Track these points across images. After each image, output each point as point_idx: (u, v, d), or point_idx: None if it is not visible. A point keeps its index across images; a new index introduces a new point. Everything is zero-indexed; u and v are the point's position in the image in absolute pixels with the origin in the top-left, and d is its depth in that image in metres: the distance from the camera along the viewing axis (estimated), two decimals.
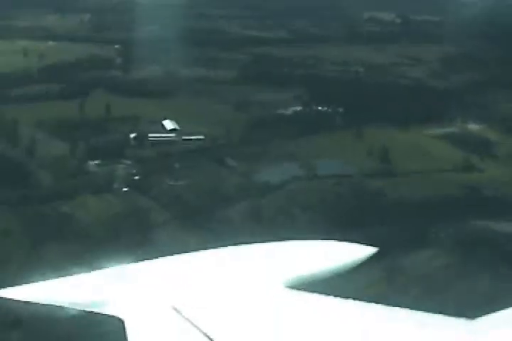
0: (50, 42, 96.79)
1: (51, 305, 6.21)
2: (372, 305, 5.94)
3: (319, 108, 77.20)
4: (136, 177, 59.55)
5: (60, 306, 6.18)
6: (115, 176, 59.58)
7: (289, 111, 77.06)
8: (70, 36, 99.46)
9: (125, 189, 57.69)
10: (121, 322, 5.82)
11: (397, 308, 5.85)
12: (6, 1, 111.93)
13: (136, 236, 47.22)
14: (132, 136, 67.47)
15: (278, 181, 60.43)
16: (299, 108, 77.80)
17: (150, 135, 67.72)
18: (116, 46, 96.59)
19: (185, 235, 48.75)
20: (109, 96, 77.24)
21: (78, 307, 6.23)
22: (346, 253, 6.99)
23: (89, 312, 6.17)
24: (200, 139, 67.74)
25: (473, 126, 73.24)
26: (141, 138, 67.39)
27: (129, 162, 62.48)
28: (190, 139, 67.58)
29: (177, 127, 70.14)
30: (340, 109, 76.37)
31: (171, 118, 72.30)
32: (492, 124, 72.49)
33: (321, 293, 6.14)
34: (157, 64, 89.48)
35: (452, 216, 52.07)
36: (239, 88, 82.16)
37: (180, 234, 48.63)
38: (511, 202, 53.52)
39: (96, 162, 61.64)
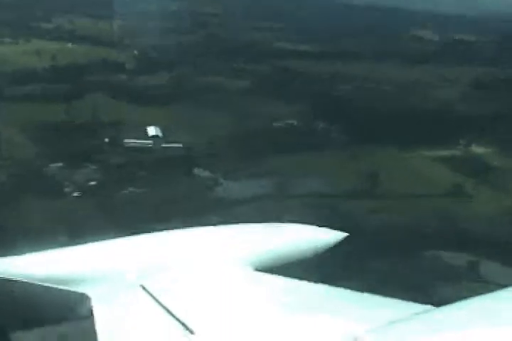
0: (70, 45, 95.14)
1: (18, 279, 5.90)
2: (338, 288, 5.75)
3: (322, 124, 72.52)
4: (93, 183, 56.14)
5: (27, 281, 5.89)
6: (71, 180, 56.43)
7: (288, 125, 72.88)
8: (92, 40, 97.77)
9: (76, 194, 54.35)
10: (87, 298, 5.58)
11: (365, 294, 5.63)
12: (41, 4, 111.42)
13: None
14: (106, 140, 64.23)
15: (245, 196, 56.39)
16: (299, 123, 73.38)
17: (126, 141, 64.47)
18: (135, 52, 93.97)
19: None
20: (106, 100, 74.72)
21: (45, 283, 5.91)
22: (316, 237, 6.81)
23: (56, 288, 5.86)
24: (178, 147, 64.07)
25: (479, 150, 67.44)
26: (117, 144, 64.13)
27: (93, 167, 59.33)
28: (168, 147, 64.00)
29: (159, 134, 66.78)
30: (344, 127, 71.53)
31: (161, 126, 69.07)
32: (501, 149, 66.48)
33: (288, 276, 5.86)
34: (170, 71, 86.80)
35: (404, 245, 47.07)
36: (246, 99, 78.38)
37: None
38: (473, 235, 48.31)
39: (58, 165, 58.64)
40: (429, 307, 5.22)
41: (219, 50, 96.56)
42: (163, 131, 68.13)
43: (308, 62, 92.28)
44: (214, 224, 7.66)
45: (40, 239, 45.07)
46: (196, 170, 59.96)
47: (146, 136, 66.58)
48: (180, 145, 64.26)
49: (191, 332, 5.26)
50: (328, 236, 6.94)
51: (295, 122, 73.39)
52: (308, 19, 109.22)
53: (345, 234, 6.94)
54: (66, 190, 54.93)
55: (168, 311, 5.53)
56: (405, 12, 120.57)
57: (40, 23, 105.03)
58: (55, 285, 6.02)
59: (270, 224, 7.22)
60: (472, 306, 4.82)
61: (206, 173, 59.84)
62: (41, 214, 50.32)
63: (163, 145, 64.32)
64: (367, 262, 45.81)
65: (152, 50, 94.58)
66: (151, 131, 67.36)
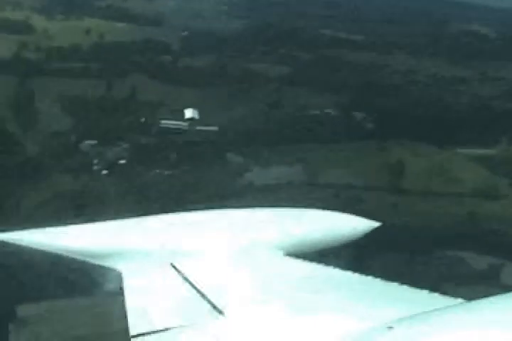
0: (119, 24, 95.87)
1: (50, 252, 6.10)
2: (369, 278, 5.75)
3: (357, 115, 71.89)
4: (122, 162, 56.78)
5: (59, 254, 6.08)
6: (102, 158, 57.13)
7: (325, 114, 72.25)
8: (143, 19, 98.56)
9: (104, 172, 55.08)
10: (119, 274, 5.71)
11: (395, 283, 5.65)
12: None
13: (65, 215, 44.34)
14: (142, 120, 64.81)
15: (271, 183, 56.47)
16: (337, 112, 72.84)
17: (161, 122, 64.91)
18: (184, 33, 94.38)
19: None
20: (147, 80, 75.34)
21: (77, 257, 6.09)
22: (348, 225, 6.81)
23: (88, 262, 6.03)
24: (213, 131, 64.31)
25: None
26: (152, 125, 64.65)
27: (125, 145, 59.89)
28: (203, 130, 64.30)
29: (196, 117, 67.09)
30: (379, 119, 70.76)
31: (199, 108, 69.35)
32: None
33: (319, 262, 5.94)
34: (216, 55, 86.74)
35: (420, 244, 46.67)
36: (286, 87, 78.03)
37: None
38: (499, 237, 47.39)
39: (91, 142, 59.44)
40: (459, 300, 5.25)
41: (268, 35, 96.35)
42: (200, 113, 68.45)
43: (355, 52, 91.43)
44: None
45: (58, 215, 46.14)
46: (227, 155, 60.11)
47: (182, 118, 66.95)
48: (216, 128, 64.40)
49: (220, 312, 5.31)
50: (361, 225, 6.96)
51: (332, 111, 72.92)
52: (360, 8, 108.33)
53: (378, 224, 6.95)
54: (95, 167, 55.48)
55: (198, 291, 5.58)
56: (464, 5, 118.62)
57: (94, 1, 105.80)
58: (87, 259, 6.14)
59: (304, 209, 7.21)
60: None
61: (237, 158, 60.03)
62: (66, 190, 51.25)
63: (198, 128, 64.50)
64: (378, 257, 45.36)
65: (201, 32, 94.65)
66: (188, 113, 67.70)
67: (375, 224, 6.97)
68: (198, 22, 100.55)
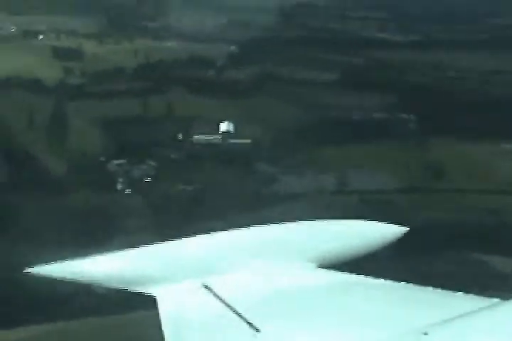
0: (169, 43, 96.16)
1: (84, 282, 6.20)
2: (400, 283, 5.80)
3: (399, 115, 69.27)
4: (148, 180, 56.08)
5: (93, 284, 6.20)
6: (127, 177, 56.63)
7: (365, 117, 70.00)
8: (194, 37, 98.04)
9: (127, 191, 54.51)
10: (153, 299, 5.74)
11: (430, 288, 5.68)
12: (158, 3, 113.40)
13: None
14: (177, 136, 64.13)
15: (298, 192, 54.62)
16: (377, 115, 70.35)
17: (195, 136, 64.06)
18: (232, 47, 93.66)
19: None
20: (187, 96, 74.76)
21: (111, 285, 6.17)
22: (377, 233, 6.81)
23: (122, 289, 6.12)
24: (245, 144, 62.99)
25: None
26: (185, 140, 63.89)
27: (153, 163, 59.22)
28: (236, 143, 63.05)
29: (231, 130, 65.85)
30: (421, 118, 67.86)
31: (236, 121, 68.20)
32: None
33: (352, 272, 5.92)
34: (261, 66, 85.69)
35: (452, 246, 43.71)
36: (330, 92, 76.22)
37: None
38: None
39: (120, 161, 59.16)
40: (496, 300, 5.17)
41: (317, 42, 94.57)
42: (236, 126, 67.23)
43: (402, 53, 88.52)
44: (267, 220, 7.55)
45: (72, 234, 45.77)
46: (258, 168, 58.63)
47: (217, 132, 65.90)
48: (249, 141, 63.08)
49: (257, 330, 5.27)
50: (389, 232, 6.90)
51: (379, 114, 70.54)
52: (412, 9, 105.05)
53: (407, 229, 6.89)
54: (119, 186, 55.01)
55: (233, 310, 5.56)
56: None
57: (148, 23, 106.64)
58: (121, 287, 6.19)
59: (331, 220, 7.15)
60: None
61: (268, 171, 58.41)
62: (85, 208, 50.82)
63: (231, 141, 63.27)
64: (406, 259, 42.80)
65: (250, 45, 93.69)
66: (223, 126, 66.56)
67: (405, 229, 6.90)
68: (249, 35, 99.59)
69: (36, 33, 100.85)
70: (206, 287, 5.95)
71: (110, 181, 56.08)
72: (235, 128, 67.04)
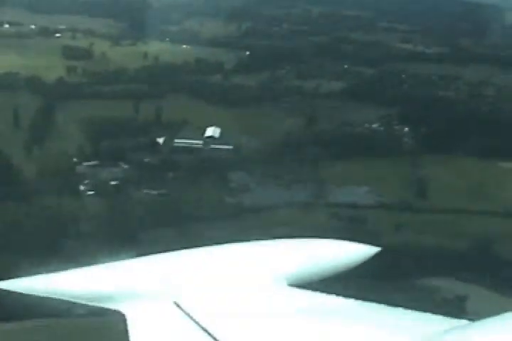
0: (185, 47, 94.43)
1: (52, 298, 5.98)
2: (374, 304, 5.76)
3: (399, 130, 65.97)
4: (114, 183, 53.91)
5: (61, 299, 5.99)
6: (94, 179, 54.60)
7: (364, 130, 66.98)
8: (211, 41, 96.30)
9: (90, 192, 52.43)
10: (122, 316, 5.68)
11: (399, 308, 5.64)
12: (177, 8, 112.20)
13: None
14: (159, 140, 61.94)
15: (266, 204, 51.76)
16: (379, 128, 67.28)
17: (176, 140, 61.77)
18: (247, 53, 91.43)
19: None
20: (185, 100, 72.92)
21: (79, 301, 6.01)
22: (349, 252, 6.71)
23: (91, 305, 5.99)
24: (226, 150, 60.44)
25: None
26: (165, 144, 61.66)
27: (125, 166, 57.14)
28: (216, 148, 60.60)
29: (216, 135, 63.52)
30: (422, 133, 64.56)
31: (227, 127, 65.91)
32: None
33: (322, 291, 5.85)
34: (271, 72, 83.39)
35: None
36: (333, 103, 73.21)
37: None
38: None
39: (91, 163, 57.18)
40: (464, 321, 5.15)
41: (337, 51, 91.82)
42: (224, 132, 64.84)
43: (421, 65, 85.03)
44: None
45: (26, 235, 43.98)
46: (230, 174, 55.98)
47: (201, 137, 63.54)
48: (231, 147, 60.51)
49: None
50: (360, 251, 6.75)
51: (376, 127, 67.24)
52: (440, 21, 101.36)
53: (378, 249, 6.75)
54: (82, 188, 52.91)
55: (203, 328, 5.52)
56: None
57: (168, 26, 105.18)
58: (89, 303, 6.02)
59: (302, 238, 6.92)
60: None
61: (239, 178, 55.69)
62: (44, 210, 48.91)
63: (212, 147, 60.83)
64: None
65: (265, 50, 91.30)
66: (209, 131, 64.37)
67: (376, 249, 6.75)
68: (266, 41, 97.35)
69: (54, 32, 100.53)
70: (177, 305, 5.82)
71: (75, 183, 53.85)
72: (221, 134, 64.67)
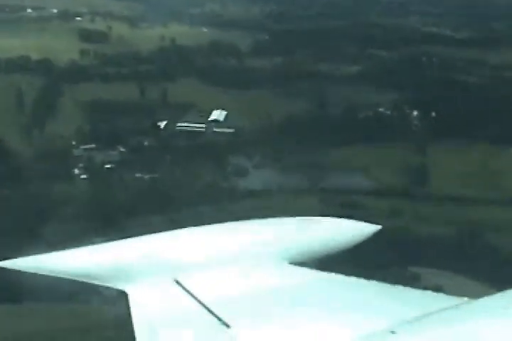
0: (204, 29, 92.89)
1: (54, 276, 5.92)
2: (372, 282, 5.70)
3: (409, 114, 63.53)
4: (108, 166, 52.74)
5: (63, 278, 5.94)
6: (89, 162, 53.52)
7: (376, 114, 64.41)
8: (231, 24, 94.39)
9: (83, 176, 51.38)
10: (124, 294, 5.60)
11: (399, 286, 5.58)
12: None
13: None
14: (162, 123, 60.56)
15: (260, 189, 50.20)
16: (390, 112, 64.80)
17: (178, 124, 60.34)
18: (266, 37, 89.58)
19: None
20: (191, 84, 71.11)
21: (81, 280, 5.93)
22: (350, 231, 6.67)
23: (93, 284, 5.96)
24: (228, 133, 58.87)
25: None
26: (167, 127, 60.29)
27: (123, 150, 55.88)
28: (218, 132, 59.05)
29: (221, 119, 61.92)
30: (431, 117, 61.92)
31: (234, 110, 64.26)
32: None
33: (323, 269, 5.79)
34: (286, 57, 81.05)
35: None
36: (347, 87, 70.76)
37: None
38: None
39: (88, 146, 56.12)
40: (464, 299, 5.09)
41: (360, 35, 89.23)
42: (229, 115, 63.23)
43: (445, 49, 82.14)
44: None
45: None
46: (230, 158, 54.37)
47: (205, 120, 62.02)
48: (232, 130, 58.94)
49: (227, 325, 5.12)
50: (361, 229, 6.64)
51: (385, 111, 64.94)
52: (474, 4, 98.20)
53: (379, 227, 6.60)
54: (76, 171, 51.87)
55: (204, 305, 5.41)
56: None
57: (190, 8, 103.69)
58: (92, 282, 5.90)
59: (304, 217, 6.78)
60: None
61: (238, 161, 54.09)
62: (36, 192, 47.96)
63: (215, 130, 59.28)
64: None
65: (286, 34, 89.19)
66: (214, 115, 62.84)
67: (377, 227, 6.61)
68: (287, 25, 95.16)
69: (75, 15, 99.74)
70: (178, 283, 5.68)
71: (71, 166, 52.83)
72: (226, 117, 63.10)
